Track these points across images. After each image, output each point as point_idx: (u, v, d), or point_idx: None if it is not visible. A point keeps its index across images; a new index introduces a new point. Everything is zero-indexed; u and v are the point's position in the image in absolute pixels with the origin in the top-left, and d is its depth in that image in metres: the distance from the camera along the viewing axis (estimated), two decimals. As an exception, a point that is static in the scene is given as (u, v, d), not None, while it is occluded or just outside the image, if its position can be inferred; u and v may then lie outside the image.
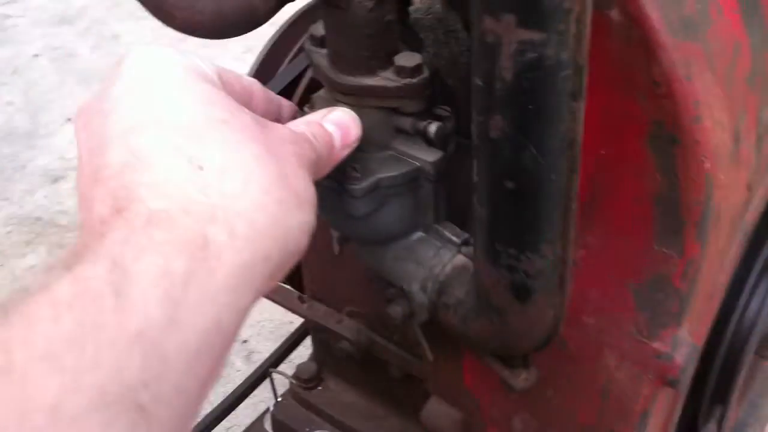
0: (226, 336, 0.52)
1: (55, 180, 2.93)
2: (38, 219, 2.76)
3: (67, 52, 3.57)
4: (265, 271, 0.55)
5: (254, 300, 0.55)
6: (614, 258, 0.84)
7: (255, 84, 0.72)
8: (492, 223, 0.71)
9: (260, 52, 1.35)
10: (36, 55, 3.63)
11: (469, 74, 0.74)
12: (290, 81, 1.21)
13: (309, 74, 1.18)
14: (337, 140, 0.72)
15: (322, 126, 0.70)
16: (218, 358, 0.52)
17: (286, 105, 0.78)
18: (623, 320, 0.86)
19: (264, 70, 1.34)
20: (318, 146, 0.67)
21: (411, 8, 0.71)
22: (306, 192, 0.61)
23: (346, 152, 0.73)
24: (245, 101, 0.67)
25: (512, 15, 0.57)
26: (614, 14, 0.68)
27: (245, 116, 0.60)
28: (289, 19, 1.36)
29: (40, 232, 2.71)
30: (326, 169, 0.71)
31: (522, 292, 0.74)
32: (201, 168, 0.54)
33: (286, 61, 1.32)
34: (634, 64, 0.70)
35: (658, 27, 0.69)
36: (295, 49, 1.33)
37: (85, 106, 0.61)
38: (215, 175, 0.54)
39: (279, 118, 0.76)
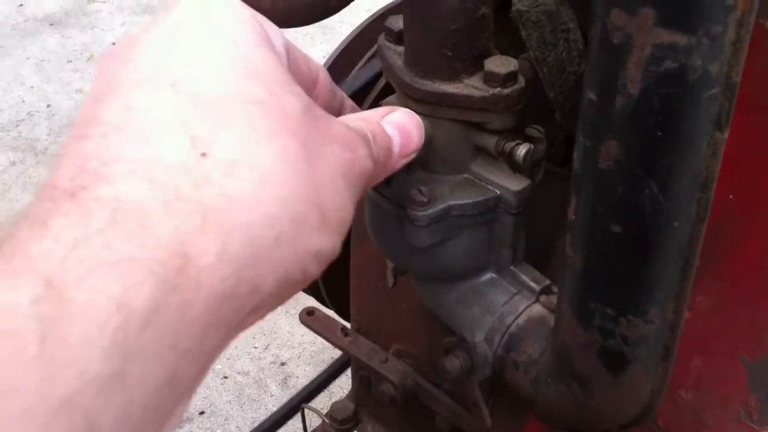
0: (181, 391, 0.39)
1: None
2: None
3: (144, 44, 3.60)
4: (247, 306, 0.41)
5: (225, 343, 0.41)
6: (728, 324, 0.70)
7: (322, 72, 0.59)
8: (587, 275, 0.58)
9: (333, 51, 1.23)
10: (114, 44, 3.63)
11: (577, 86, 0.60)
12: (361, 87, 1.08)
13: (383, 82, 1.05)
14: (397, 146, 0.57)
15: (381, 126, 0.56)
16: (166, 420, 0.39)
17: (349, 105, 0.65)
18: (730, 399, 0.72)
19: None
20: (375, 151, 0.53)
21: (514, -2, 0.58)
22: (338, 212, 0.47)
23: (402, 163, 0.59)
24: (307, 89, 0.54)
25: (651, 9, 0.44)
26: (772, 25, 0.55)
27: (292, 100, 0.46)
28: (371, 16, 1.23)
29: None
30: (377, 180, 0.57)
31: (615, 362, 0.60)
32: (205, 154, 0.40)
33: (360, 63, 1.20)
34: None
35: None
36: (370, 53, 1.20)
37: (112, 50, 0.48)
38: (220, 167, 0.41)
39: None
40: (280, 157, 0.43)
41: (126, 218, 0.37)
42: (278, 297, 0.44)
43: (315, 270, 0.46)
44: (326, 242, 0.46)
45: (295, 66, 0.53)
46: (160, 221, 0.38)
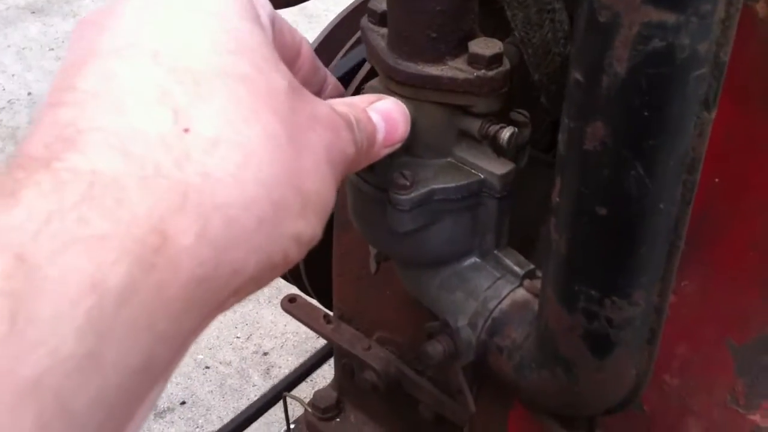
0: (156, 374, 0.38)
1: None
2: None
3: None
4: (226, 289, 0.40)
5: (202, 326, 0.40)
6: (714, 309, 0.70)
7: (305, 44, 0.58)
8: (572, 257, 0.57)
9: (316, 38, 1.22)
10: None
11: (562, 68, 0.60)
12: (343, 75, 1.07)
13: (367, 67, 1.04)
14: (381, 136, 0.57)
15: (366, 113, 0.56)
16: (140, 404, 0.38)
17: (332, 82, 0.64)
18: (716, 385, 0.72)
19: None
20: (359, 138, 0.53)
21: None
22: (319, 196, 0.46)
23: (386, 152, 0.58)
24: (290, 60, 0.53)
25: (639, -13, 0.43)
26: (761, 8, 0.54)
27: (278, 79, 0.45)
28: (353, 3, 1.22)
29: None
30: (358, 168, 0.57)
31: (600, 345, 0.60)
32: (187, 130, 0.39)
33: (343, 51, 1.19)
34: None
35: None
36: (353, 40, 1.19)
37: (87, 17, 0.46)
38: (202, 145, 0.39)
39: (319, 95, 0.62)
40: (264, 137, 0.42)
41: (102, 193, 0.36)
42: (258, 281, 0.43)
43: (296, 254, 0.45)
44: (307, 226, 0.45)
45: (279, 37, 0.52)
46: (137, 197, 0.36)
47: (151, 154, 0.38)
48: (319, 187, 0.46)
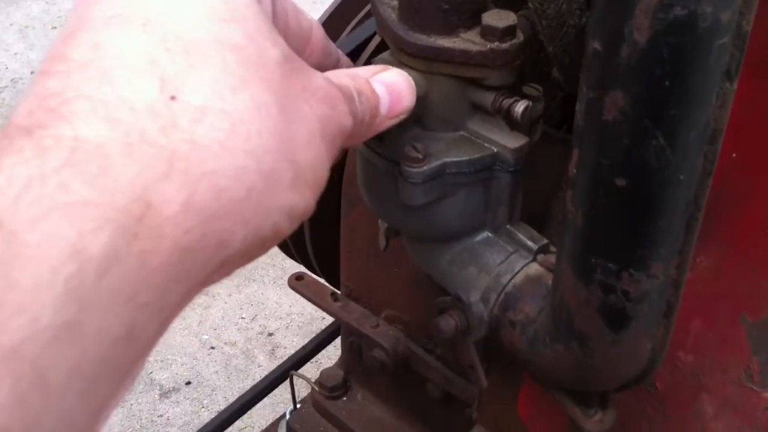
0: (140, 347, 0.37)
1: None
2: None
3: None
4: (212, 261, 0.40)
5: (187, 299, 0.40)
6: (729, 285, 0.69)
7: (316, 27, 0.57)
8: (589, 229, 0.57)
9: (324, 12, 1.20)
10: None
11: (577, 40, 0.59)
12: (350, 52, 1.06)
13: (376, 41, 1.03)
14: (384, 107, 0.56)
15: (369, 84, 0.55)
16: (123, 378, 0.37)
17: (345, 62, 0.63)
18: (730, 362, 0.71)
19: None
20: (360, 110, 0.52)
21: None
22: (313, 169, 0.45)
23: (389, 124, 0.58)
24: (299, 45, 0.52)
25: (661, -47, 0.43)
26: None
27: (270, 48, 0.44)
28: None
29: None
30: (360, 140, 0.56)
31: (616, 319, 0.59)
32: (174, 98, 0.39)
33: (352, 24, 1.17)
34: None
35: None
36: (363, 12, 1.18)
37: None
38: (190, 113, 0.39)
39: None
40: (253, 106, 0.41)
41: (85, 159, 0.35)
42: (247, 254, 0.42)
43: (287, 227, 0.44)
44: (299, 199, 0.44)
45: (282, 19, 0.51)
46: (121, 164, 0.36)
47: (137, 122, 0.37)
48: (312, 159, 0.45)
